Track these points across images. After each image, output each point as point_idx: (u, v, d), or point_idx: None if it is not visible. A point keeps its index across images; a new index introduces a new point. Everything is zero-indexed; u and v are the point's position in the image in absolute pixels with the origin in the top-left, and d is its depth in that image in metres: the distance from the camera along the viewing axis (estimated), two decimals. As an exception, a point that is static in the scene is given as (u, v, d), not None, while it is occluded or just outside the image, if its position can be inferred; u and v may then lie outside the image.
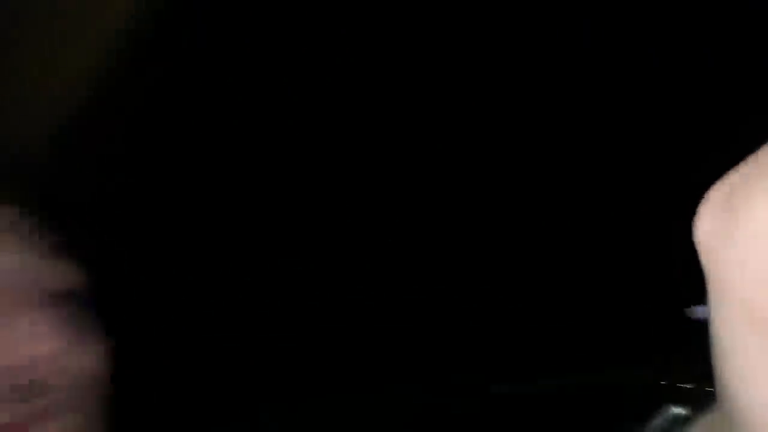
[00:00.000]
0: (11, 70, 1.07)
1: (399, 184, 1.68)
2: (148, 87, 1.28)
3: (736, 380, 0.32)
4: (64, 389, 0.75)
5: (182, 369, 1.54)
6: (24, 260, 0.78)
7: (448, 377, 2.12)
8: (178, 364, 1.54)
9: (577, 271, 2.21)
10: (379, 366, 1.92)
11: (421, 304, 1.86)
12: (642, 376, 2.14)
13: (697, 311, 2.30)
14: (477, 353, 2.15)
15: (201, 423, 1.65)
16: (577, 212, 2.06)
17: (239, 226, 1.61)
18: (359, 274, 1.80)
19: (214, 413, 1.74)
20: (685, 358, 2.26)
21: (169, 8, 1.15)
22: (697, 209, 0.34)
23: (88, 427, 0.81)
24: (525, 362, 2.14)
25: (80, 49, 1.13)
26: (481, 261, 1.95)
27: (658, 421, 0.54)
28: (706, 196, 0.34)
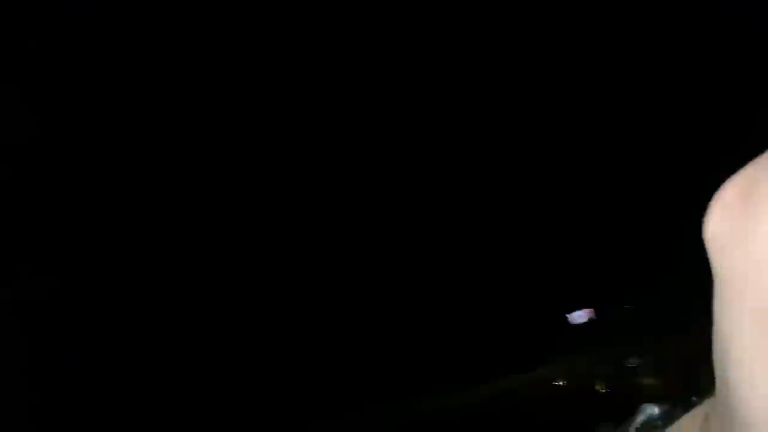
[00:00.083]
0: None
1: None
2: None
3: (743, 379, 0.31)
4: None
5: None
6: None
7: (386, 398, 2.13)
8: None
9: (473, 278, 2.24)
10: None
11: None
12: (541, 377, 2.19)
13: (576, 316, 2.39)
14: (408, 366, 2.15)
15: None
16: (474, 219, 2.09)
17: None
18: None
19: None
20: (570, 359, 2.32)
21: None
22: (709, 206, 0.32)
23: None
24: (439, 378, 2.17)
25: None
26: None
27: (636, 421, 0.53)
28: (718, 192, 0.32)
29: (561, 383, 2.18)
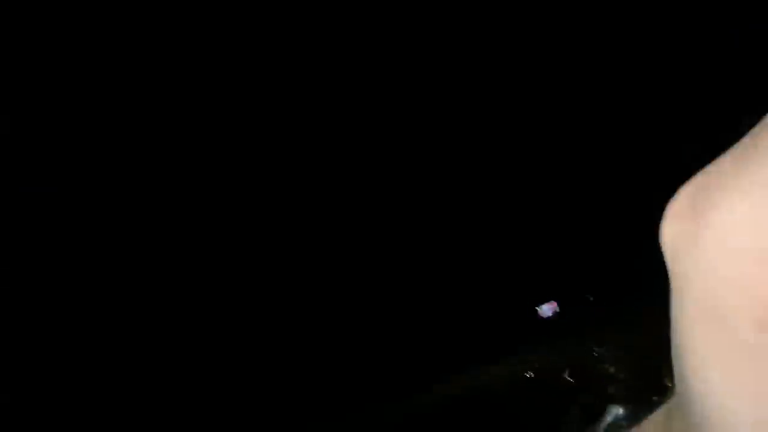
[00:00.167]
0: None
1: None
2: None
3: (697, 378, 0.32)
4: None
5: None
6: None
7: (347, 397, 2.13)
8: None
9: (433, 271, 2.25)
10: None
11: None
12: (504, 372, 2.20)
13: (544, 310, 2.41)
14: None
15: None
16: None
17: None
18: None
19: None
20: (537, 352, 2.34)
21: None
22: (664, 212, 0.34)
23: None
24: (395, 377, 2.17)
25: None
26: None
27: (604, 422, 0.56)
28: (672, 198, 0.34)
29: (529, 374, 2.20)
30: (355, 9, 1.87)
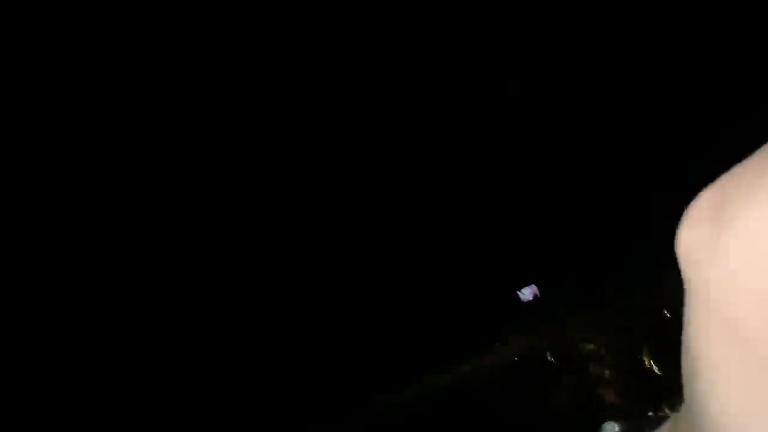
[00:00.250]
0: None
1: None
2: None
3: (710, 390, 0.31)
4: None
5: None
6: None
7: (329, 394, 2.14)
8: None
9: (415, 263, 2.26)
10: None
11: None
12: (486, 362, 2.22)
13: (525, 293, 2.45)
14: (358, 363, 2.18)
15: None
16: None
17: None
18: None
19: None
20: (520, 335, 2.36)
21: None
22: (682, 216, 0.32)
23: None
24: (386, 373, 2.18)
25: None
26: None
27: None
28: (692, 203, 0.32)
29: (515, 358, 2.23)
30: (355, 9, 1.88)
